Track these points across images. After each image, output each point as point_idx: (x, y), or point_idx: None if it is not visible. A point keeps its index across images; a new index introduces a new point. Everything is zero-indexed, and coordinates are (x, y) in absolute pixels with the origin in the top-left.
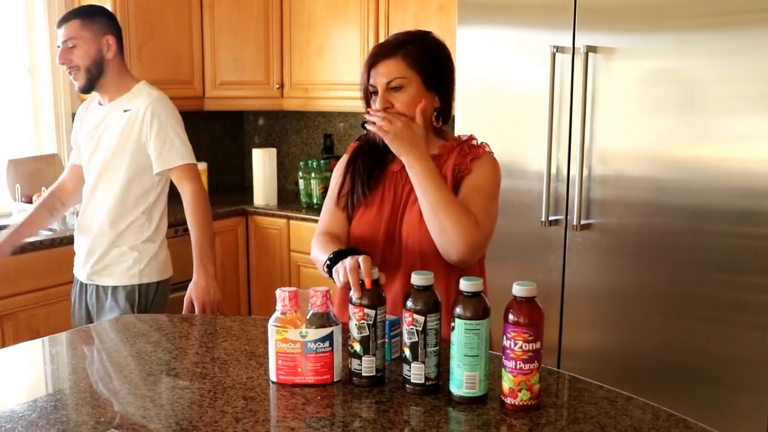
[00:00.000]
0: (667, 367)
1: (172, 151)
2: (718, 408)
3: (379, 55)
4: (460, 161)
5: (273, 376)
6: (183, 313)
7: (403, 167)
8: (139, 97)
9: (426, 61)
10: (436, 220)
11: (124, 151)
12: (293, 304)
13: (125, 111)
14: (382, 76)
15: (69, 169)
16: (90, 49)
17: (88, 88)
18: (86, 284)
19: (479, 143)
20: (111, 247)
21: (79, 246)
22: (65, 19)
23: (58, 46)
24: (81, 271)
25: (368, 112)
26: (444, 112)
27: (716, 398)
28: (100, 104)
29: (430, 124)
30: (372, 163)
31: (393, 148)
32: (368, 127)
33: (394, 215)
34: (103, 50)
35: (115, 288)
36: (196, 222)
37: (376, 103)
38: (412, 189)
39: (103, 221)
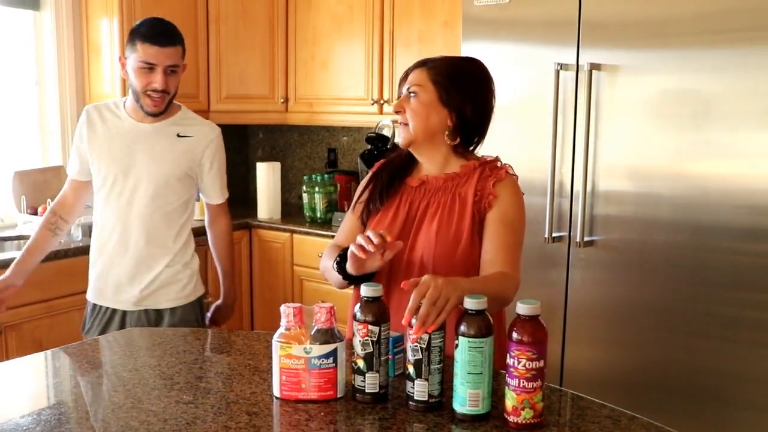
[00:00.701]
0: (671, 384)
1: (224, 185)
2: (723, 426)
3: (411, 66)
4: (483, 185)
5: (276, 392)
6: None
7: (422, 184)
8: (199, 125)
9: (448, 77)
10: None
11: (180, 176)
12: (297, 320)
13: (180, 136)
14: (406, 84)
15: (69, 184)
16: (179, 78)
17: (161, 114)
18: (128, 312)
19: (501, 165)
20: (165, 268)
21: (114, 271)
22: (171, 42)
23: (148, 64)
24: (121, 299)
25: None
26: (461, 135)
27: (720, 416)
28: (127, 116)
29: (442, 140)
30: (393, 175)
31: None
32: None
33: (408, 228)
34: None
35: (174, 309)
36: (229, 253)
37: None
38: (428, 206)
39: (156, 244)
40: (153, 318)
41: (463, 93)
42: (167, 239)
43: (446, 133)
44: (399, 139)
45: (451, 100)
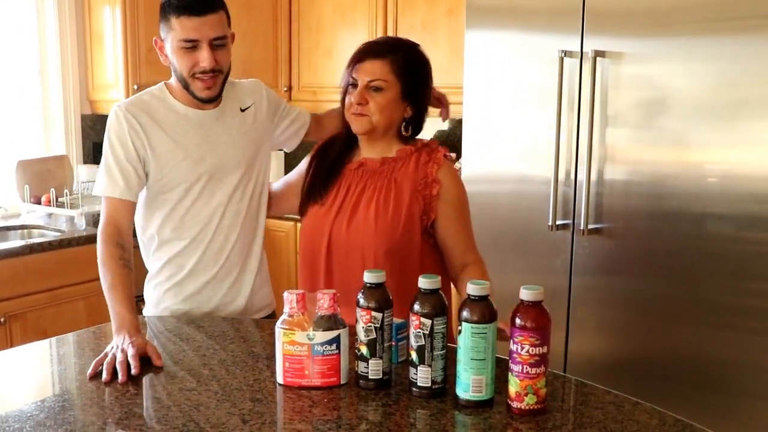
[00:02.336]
0: (673, 372)
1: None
2: (725, 414)
3: (369, 53)
4: (424, 172)
5: (280, 379)
6: None
7: (360, 166)
8: (242, 88)
9: (409, 72)
10: None
11: (256, 155)
12: (301, 307)
13: (243, 110)
14: (366, 73)
15: (120, 206)
16: (230, 51)
17: (217, 98)
18: None
19: (437, 147)
20: (259, 270)
21: (213, 285)
22: (211, 7)
23: (189, 41)
24: (219, 311)
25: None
26: (415, 123)
27: (723, 404)
28: (185, 106)
29: (396, 131)
30: (332, 161)
31: None
32: None
33: (344, 212)
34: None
35: (266, 318)
36: None
37: (353, 97)
38: (364, 189)
39: (256, 242)
40: None
41: (421, 86)
42: (262, 233)
43: (403, 124)
44: (357, 128)
45: (413, 93)
